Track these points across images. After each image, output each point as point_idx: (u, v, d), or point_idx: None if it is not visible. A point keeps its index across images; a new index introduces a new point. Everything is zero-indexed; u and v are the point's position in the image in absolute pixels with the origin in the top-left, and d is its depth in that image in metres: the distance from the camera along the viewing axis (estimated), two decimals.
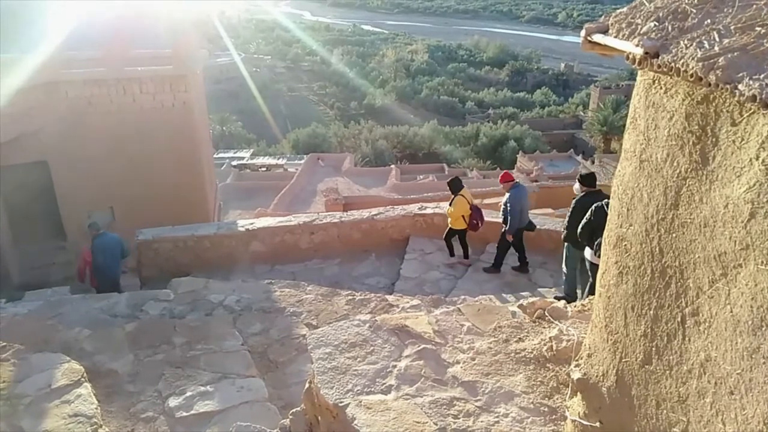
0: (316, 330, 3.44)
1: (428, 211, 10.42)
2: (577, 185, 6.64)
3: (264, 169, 35.38)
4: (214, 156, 27.19)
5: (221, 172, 29.68)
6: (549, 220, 10.59)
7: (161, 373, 4.80)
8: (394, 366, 3.03)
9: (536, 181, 25.32)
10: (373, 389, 2.82)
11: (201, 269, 8.66)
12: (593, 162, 39.37)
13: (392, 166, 33.80)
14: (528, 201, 8.82)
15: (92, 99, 12.33)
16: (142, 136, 12.63)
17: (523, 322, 3.49)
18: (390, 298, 6.79)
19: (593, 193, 6.43)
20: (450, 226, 8.84)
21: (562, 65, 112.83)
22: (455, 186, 8.75)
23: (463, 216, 8.62)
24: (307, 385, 3.13)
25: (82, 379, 4.15)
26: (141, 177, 12.63)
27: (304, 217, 10.27)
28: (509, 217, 8.08)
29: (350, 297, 6.72)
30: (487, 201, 14.70)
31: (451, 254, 9.13)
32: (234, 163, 35.32)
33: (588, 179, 6.59)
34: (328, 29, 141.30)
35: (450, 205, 8.73)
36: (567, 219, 6.53)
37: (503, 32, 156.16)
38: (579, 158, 42.77)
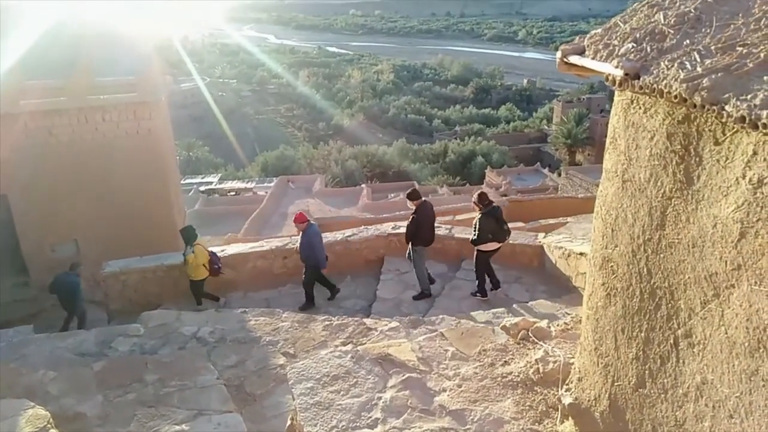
0: (296, 363, 3.32)
1: (402, 230, 10.35)
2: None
3: (233, 193, 34.91)
4: (182, 182, 26.70)
5: (189, 198, 29.14)
6: (522, 234, 10.65)
7: (133, 413, 4.56)
8: (379, 398, 2.93)
9: (506, 195, 25.63)
10: (358, 424, 2.72)
11: (172, 300, 8.38)
12: (559, 174, 40.13)
13: (363, 185, 33.76)
14: (318, 240, 8.43)
15: (53, 129, 11.96)
16: (107, 165, 12.29)
17: (507, 344, 3.43)
18: (368, 321, 6.66)
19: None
20: (190, 278, 8.38)
21: (525, 81, 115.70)
22: (188, 235, 8.43)
23: (204, 264, 8.34)
24: (288, 422, 3.00)
25: (48, 426, 3.90)
26: (106, 207, 12.25)
27: (276, 241, 10.09)
28: (310, 255, 8.08)
29: (327, 322, 6.57)
30: (459, 217, 14.73)
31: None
32: (202, 188, 34.76)
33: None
34: (293, 52, 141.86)
35: (185, 255, 8.32)
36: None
37: (466, 50, 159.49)
38: (546, 171, 43.54)
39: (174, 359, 5.50)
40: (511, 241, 9.67)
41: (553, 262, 9.10)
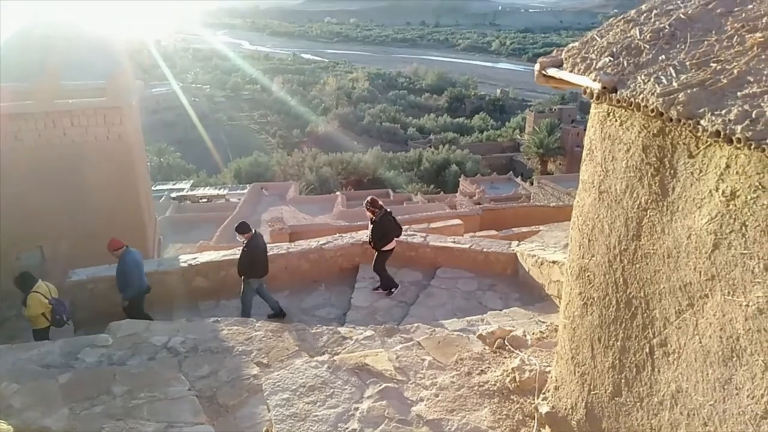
0: (272, 374, 3.26)
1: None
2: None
3: (205, 200, 34.38)
4: (152, 189, 26.22)
5: (160, 204, 28.62)
6: (495, 243, 10.74)
7: (100, 427, 4.42)
8: (356, 408, 2.90)
9: (479, 203, 25.89)
10: None
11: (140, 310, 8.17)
12: (532, 183, 40.75)
13: (338, 193, 33.68)
14: (135, 268, 7.96)
15: (19, 134, 11.60)
16: (75, 170, 11.97)
17: (483, 352, 3.44)
18: (342, 330, 6.61)
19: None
20: (33, 327, 7.82)
21: (498, 91, 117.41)
22: (22, 285, 7.64)
23: (44, 314, 7.67)
24: None
25: None
26: (73, 214, 11.92)
27: None
28: (124, 283, 7.76)
29: (301, 331, 6.50)
30: (433, 225, 14.81)
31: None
32: (173, 195, 34.16)
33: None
34: (268, 58, 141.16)
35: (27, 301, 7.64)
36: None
37: (441, 60, 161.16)
38: (518, 180, 44.17)
39: (143, 370, 5.36)
40: (485, 249, 9.78)
41: (527, 270, 9.21)
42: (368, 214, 8.66)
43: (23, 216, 11.49)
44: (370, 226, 8.64)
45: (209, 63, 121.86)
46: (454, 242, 10.47)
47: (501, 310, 8.42)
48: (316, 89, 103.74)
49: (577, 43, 2.07)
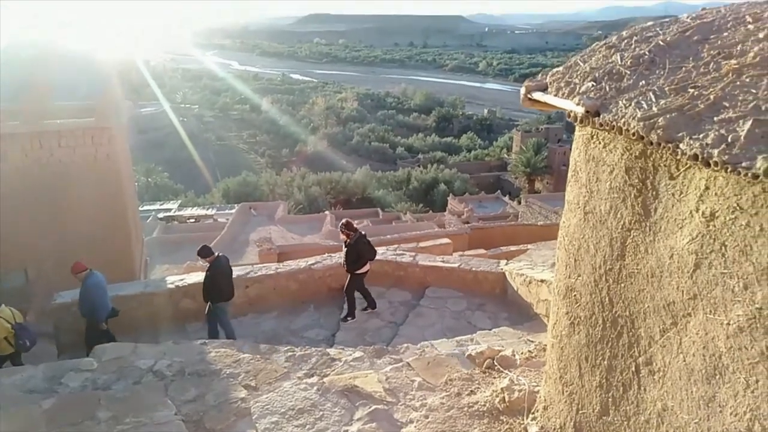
0: (260, 397, 3.23)
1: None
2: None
3: (193, 220, 34.16)
4: (140, 209, 26.02)
5: (147, 225, 28.36)
6: (484, 262, 10.78)
7: None
8: (346, 431, 2.88)
9: (468, 222, 25.99)
10: None
11: (127, 332, 8.06)
12: (519, 202, 41.04)
13: (326, 212, 33.64)
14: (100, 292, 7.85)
15: (5, 154, 11.51)
16: (62, 192, 11.87)
17: (473, 373, 3.44)
18: (331, 351, 6.56)
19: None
20: None
21: (486, 111, 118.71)
22: None
23: (6, 338, 7.52)
24: None
25: None
26: (60, 235, 11.77)
27: (238, 269, 9.90)
28: (87, 307, 7.62)
29: (290, 353, 6.43)
30: (422, 244, 14.84)
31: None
32: (160, 215, 33.90)
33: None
34: (257, 78, 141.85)
35: None
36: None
37: (429, 80, 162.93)
38: (506, 199, 44.48)
39: (129, 394, 5.27)
40: (473, 269, 9.81)
41: (515, 288, 9.24)
42: (342, 236, 8.69)
43: (7, 237, 11.34)
44: (344, 249, 8.64)
45: (198, 83, 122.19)
46: (443, 261, 10.50)
47: (490, 330, 8.42)
48: (305, 109, 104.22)
49: (561, 68, 2.13)
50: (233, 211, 31.90)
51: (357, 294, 8.83)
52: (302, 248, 17.02)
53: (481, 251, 15.72)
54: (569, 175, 2.25)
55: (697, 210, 1.60)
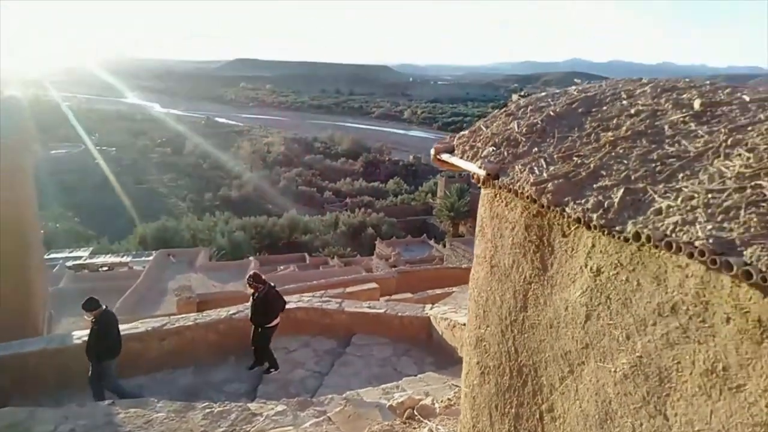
0: None
1: (291, 305, 10.16)
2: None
3: (105, 268, 32.14)
4: (46, 257, 24.20)
5: (54, 274, 26.38)
6: (410, 307, 10.89)
7: None
8: None
9: (395, 266, 26.23)
10: None
11: (26, 394, 7.37)
12: (444, 245, 42.01)
13: (251, 258, 32.82)
14: None
15: None
16: None
17: (394, 424, 3.45)
18: (252, 405, 6.33)
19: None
20: None
21: (411, 157, 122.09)
22: None
23: None
24: None
25: None
26: None
27: (153, 321, 9.40)
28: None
29: (208, 410, 6.15)
30: (349, 289, 14.78)
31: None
32: (69, 263, 31.65)
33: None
34: (180, 121, 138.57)
35: None
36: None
37: (356, 126, 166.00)
38: (431, 242, 45.38)
39: None
40: (399, 314, 9.89)
41: (440, 333, 9.38)
42: (250, 290, 8.40)
43: None
44: (251, 302, 8.38)
45: (117, 124, 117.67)
46: (369, 307, 10.50)
47: (416, 376, 8.46)
48: (231, 152, 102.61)
49: (467, 132, 2.30)
50: (150, 258, 30.39)
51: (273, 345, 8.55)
52: (224, 296, 16.39)
53: (408, 295, 15.88)
54: (477, 230, 2.39)
55: (586, 266, 1.75)
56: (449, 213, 64.40)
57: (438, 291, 16.03)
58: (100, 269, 31.85)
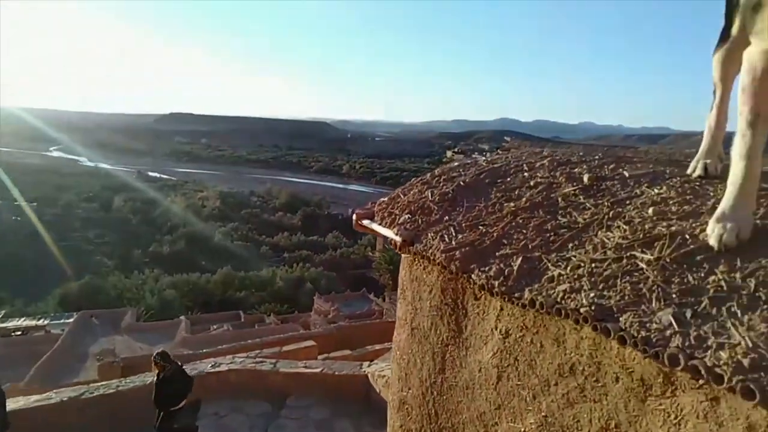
0: None
1: (223, 367, 9.78)
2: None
3: (19, 333, 29.72)
4: None
5: None
6: (347, 365, 10.71)
7: None
8: None
9: (334, 322, 25.85)
10: None
11: None
12: (384, 299, 41.89)
13: (182, 317, 31.37)
14: None
15: None
16: None
17: None
18: None
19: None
20: None
21: (350, 210, 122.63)
22: None
23: None
24: None
25: None
26: None
27: (70, 391, 8.74)
28: None
29: None
30: (286, 348, 14.38)
31: None
32: None
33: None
34: (109, 175, 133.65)
35: None
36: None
37: (294, 181, 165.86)
38: (371, 296, 45.13)
39: None
40: (337, 373, 9.69)
41: (378, 391, 9.25)
42: (156, 368, 7.67)
43: None
44: (155, 382, 7.59)
45: (39, 177, 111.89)
46: (305, 367, 10.23)
47: None
48: (162, 207, 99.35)
49: (386, 199, 2.41)
50: (71, 320, 28.48)
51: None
52: (150, 360, 15.51)
53: (347, 352, 15.60)
54: (399, 292, 2.47)
55: (496, 328, 1.85)
56: (388, 266, 64.59)
57: (377, 346, 15.87)
58: (12, 334, 29.44)
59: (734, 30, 1.73)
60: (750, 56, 1.55)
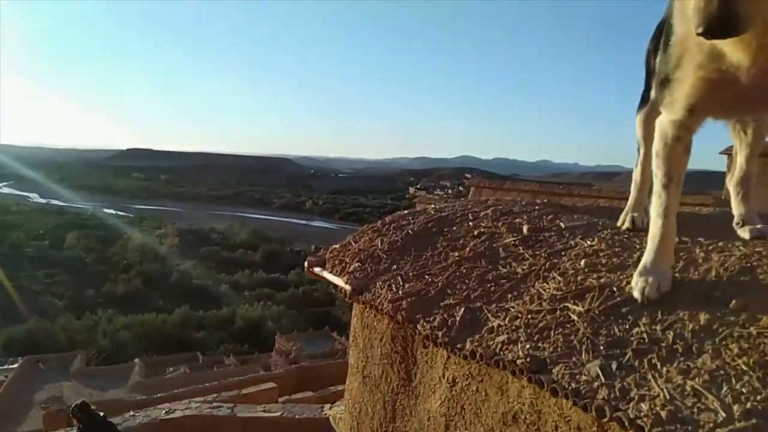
0: None
1: (177, 413, 9.37)
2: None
3: None
4: None
5: None
6: (308, 408, 10.44)
7: None
8: None
9: (296, 362, 25.29)
10: None
11: None
12: (347, 337, 41.34)
13: (136, 360, 30.10)
14: None
15: None
16: None
17: None
18: None
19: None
20: None
21: (313, 247, 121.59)
22: None
23: None
24: None
25: None
26: None
27: None
28: None
29: None
30: (245, 391, 13.94)
31: None
32: None
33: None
34: (61, 212, 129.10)
35: None
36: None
37: (256, 217, 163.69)
38: (334, 335, 44.46)
39: None
40: (297, 416, 9.43)
41: None
42: (75, 422, 6.78)
43: None
44: None
45: None
46: (264, 411, 9.93)
47: None
48: (118, 245, 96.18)
49: (338, 246, 2.44)
50: (15, 366, 26.92)
51: None
52: (102, 407, 14.75)
53: (309, 393, 15.24)
54: (350, 340, 2.48)
55: (444, 376, 1.88)
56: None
57: (340, 387, 15.55)
58: None
59: (653, 94, 1.89)
60: (661, 125, 1.71)
